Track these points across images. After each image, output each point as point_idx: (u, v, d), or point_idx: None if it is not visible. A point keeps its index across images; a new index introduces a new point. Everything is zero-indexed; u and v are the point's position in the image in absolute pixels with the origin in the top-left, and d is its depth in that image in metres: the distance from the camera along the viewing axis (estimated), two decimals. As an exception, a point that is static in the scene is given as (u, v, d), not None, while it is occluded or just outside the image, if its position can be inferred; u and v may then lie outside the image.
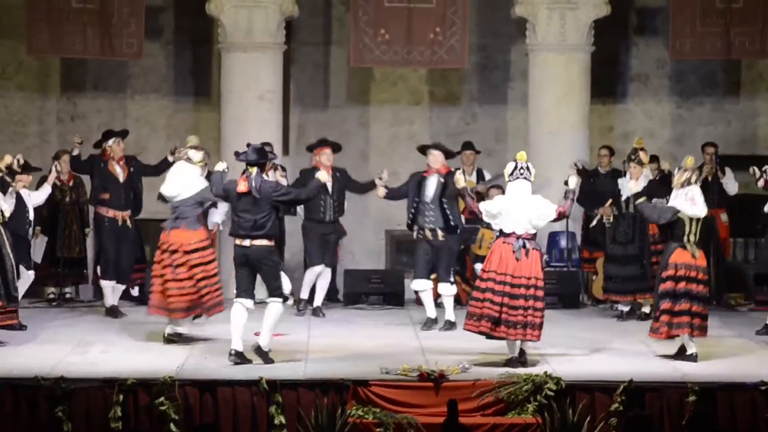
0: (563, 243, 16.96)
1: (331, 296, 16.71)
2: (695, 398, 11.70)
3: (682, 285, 13.04)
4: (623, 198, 15.65)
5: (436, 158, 15.34)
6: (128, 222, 15.72)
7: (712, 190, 16.70)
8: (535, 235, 12.87)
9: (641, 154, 15.62)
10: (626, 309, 15.65)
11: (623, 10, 18.22)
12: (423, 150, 15.66)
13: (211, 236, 14.43)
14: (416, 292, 15.52)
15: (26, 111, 18.47)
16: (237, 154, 13.16)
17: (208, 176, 14.04)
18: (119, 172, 15.73)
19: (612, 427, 11.64)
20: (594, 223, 16.10)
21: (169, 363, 12.53)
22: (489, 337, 12.77)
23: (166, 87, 18.56)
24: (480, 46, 18.53)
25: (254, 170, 12.85)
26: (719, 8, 16.97)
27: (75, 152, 16.11)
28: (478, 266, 15.69)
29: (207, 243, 13.84)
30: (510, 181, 12.91)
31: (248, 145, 13.16)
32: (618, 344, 13.85)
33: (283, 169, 16.20)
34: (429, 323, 15.04)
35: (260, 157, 12.93)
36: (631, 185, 15.20)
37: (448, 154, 15.50)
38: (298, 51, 18.44)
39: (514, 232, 12.75)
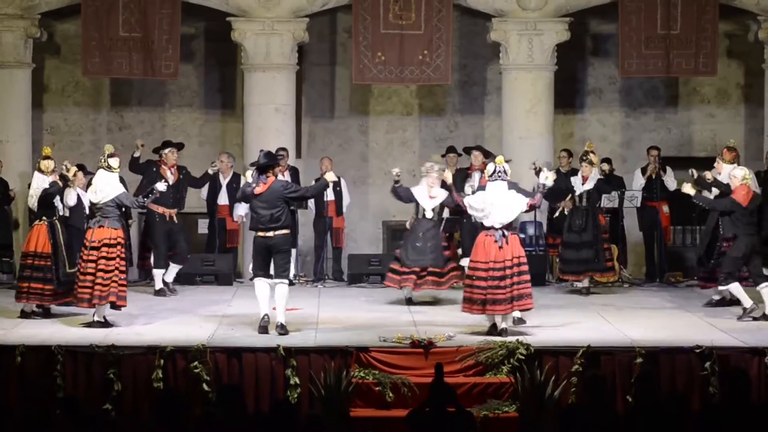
0: (531, 231, 16.84)
1: (337, 276, 16.72)
2: (642, 360, 11.66)
3: None
4: (577, 193, 15.60)
5: (477, 157, 15.81)
6: (174, 218, 15.65)
7: (655, 186, 16.70)
8: (511, 224, 12.81)
9: (591, 156, 15.64)
10: (585, 286, 15.51)
11: (581, 35, 18.14)
12: (467, 151, 16.16)
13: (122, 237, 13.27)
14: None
15: (82, 123, 18.37)
16: (253, 164, 13.05)
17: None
18: (170, 177, 15.59)
19: (573, 385, 11.61)
20: (557, 214, 16.07)
21: (202, 333, 12.51)
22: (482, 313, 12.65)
23: (198, 102, 18.49)
24: (461, 66, 18.46)
25: (255, 172, 12.72)
26: (660, 34, 16.90)
27: (136, 154, 15.90)
28: (462, 258, 15.69)
29: (122, 241, 13.04)
30: (490, 181, 12.83)
31: (261, 150, 13.08)
32: (577, 315, 13.78)
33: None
34: None
35: (269, 160, 12.85)
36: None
37: (487, 154, 15.71)
38: (308, 70, 18.32)
39: (493, 226, 12.65)
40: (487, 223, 12.70)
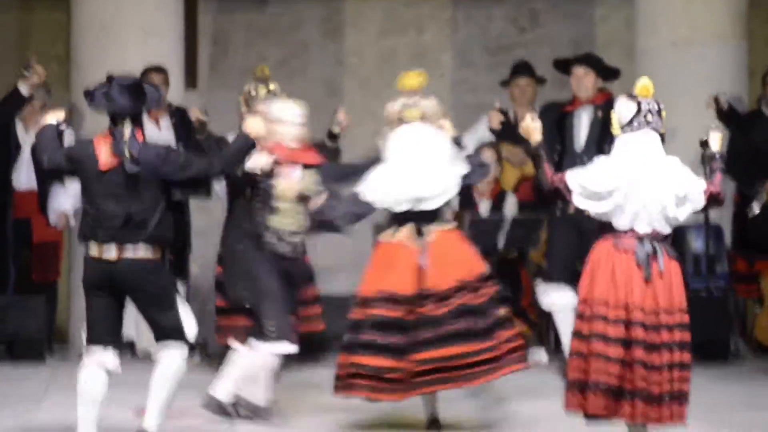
0: (699, 246, 17.22)
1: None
2: None
3: None
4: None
5: (583, 79, 16.45)
6: None
7: None
8: (668, 235, 12.48)
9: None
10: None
11: None
12: (563, 66, 16.78)
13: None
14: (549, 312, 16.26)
15: None
16: (89, 93, 12.89)
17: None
18: None
19: None
20: (755, 210, 16.94)
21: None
22: (596, 418, 12.52)
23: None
24: None
25: (126, 126, 12.74)
26: None
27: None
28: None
29: None
30: (627, 131, 12.49)
31: (110, 78, 12.87)
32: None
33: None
34: None
35: (135, 100, 12.78)
36: None
37: (607, 74, 16.49)
38: None
39: (632, 230, 12.41)
40: (620, 225, 12.41)
